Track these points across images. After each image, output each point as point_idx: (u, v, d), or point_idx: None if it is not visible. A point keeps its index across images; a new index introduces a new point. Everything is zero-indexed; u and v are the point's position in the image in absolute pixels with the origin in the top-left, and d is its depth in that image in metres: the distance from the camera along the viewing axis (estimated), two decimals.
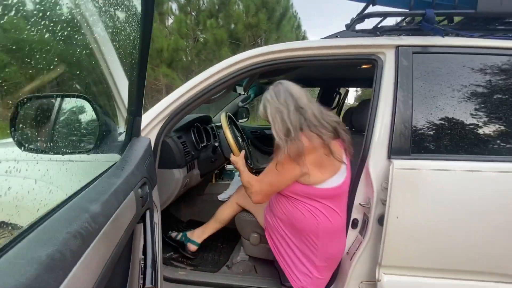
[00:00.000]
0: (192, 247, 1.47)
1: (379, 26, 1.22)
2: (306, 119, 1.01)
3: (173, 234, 1.55)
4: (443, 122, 1.03)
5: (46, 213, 0.33)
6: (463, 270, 1.02)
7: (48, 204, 0.36)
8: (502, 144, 1.03)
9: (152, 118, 1.11)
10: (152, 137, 1.10)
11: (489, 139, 1.03)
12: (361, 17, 1.17)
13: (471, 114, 1.03)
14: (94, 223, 0.35)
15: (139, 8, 0.69)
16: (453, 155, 1.02)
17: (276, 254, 1.16)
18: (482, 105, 1.04)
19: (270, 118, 1.04)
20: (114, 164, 0.68)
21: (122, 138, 0.90)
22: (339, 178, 1.03)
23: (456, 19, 1.30)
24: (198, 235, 1.48)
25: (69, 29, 0.76)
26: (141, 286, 0.57)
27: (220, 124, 1.48)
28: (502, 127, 1.03)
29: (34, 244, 0.26)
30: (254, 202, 1.10)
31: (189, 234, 1.50)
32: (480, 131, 1.03)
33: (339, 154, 1.03)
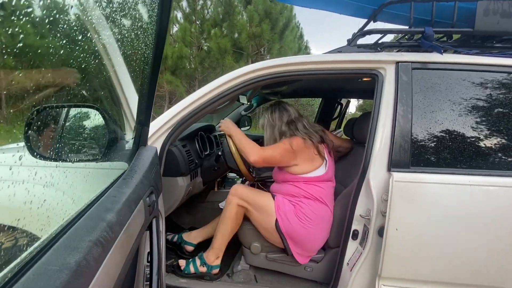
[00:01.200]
0: (189, 248, 1.51)
1: (379, 42, 1.26)
2: (298, 129, 1.36)
3: (169, 236, 1.56)
4: (442, 136, 1.06)
5: (69, 222, 0.35)
6: (462, 284, 1.03)
7: (67, 212, 0.38)
8: (500, 158, 1.05)
9: (159, 128, 1.14)
10: (158, 146, 1.13)
11: (487, 153, 1.06)
12: (363, 33, 1.22)
13: (469, 129, 1.06)
14: (111, 231, 0.38)
15: (152, 19, 0.73)
16: (452, 168, 1.04)
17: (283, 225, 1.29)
18: (480, 120, 1.07)
19: (264, 129, 1.43)
20: (123, 173, 0.71)
21: (129, 146, 0.93)
22: (322, 169, 1.34)
23: (455, 36, 1.35)
24: (194, 237, 1.53)
25: (79, 37, 0.80)
26: None
27: (223, 133, 1.52)
28: (500, 142, 1.05)
29: (62, 252, 0.28)
30: (252, 162, 1.30)
31: (185, 236, 1.53)
32: (478, 145, 1.06)
33: (323, 152, 1.35)
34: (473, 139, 1.06)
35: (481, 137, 1.06)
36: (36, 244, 0.29)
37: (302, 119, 1.42)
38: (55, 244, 0.29)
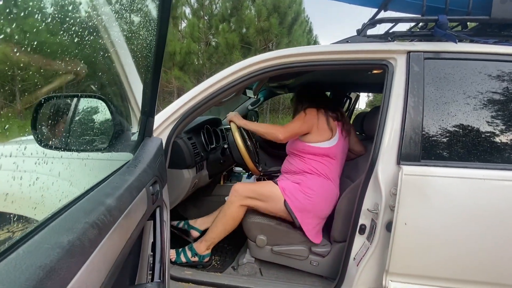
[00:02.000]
0: (195, 233, 1.53)
1: (390, 31, 1.22)
2: (315, 102, 1.49)
3: (175, 222, 1.57)
4: (454, 129, 1.02)
5: (67, 204, 0.35)
6: (473, 281, 0.99)
7: (68, 196, 0.38)
8: None
9: (164, 119, 1.14)
10: (164, 138, 1.13)
11: (503, 147, 1.01)
12: (373, 22, 1.18)
13: (484, 121, 1.01)
14: (110, 215, 0.37)
15: (155, 13, 0.73)
16: (465, 162, 1.00)
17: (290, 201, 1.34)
18: (495, 112, 1.02)
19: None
20: (127, 162, 0.71)
21: (135, 137, 0.93)
22: (332, 142, 1.39)
23: (471, 25, 1.29)
24: (200, 224, 1.54)
25: (86, 31, 0.80)
26: (150, 280, 0.59)
27: (229, 126, 1.51)
28: None
29: (56, 231, 0.28)
30: (282, 139, 1.37)
31: (191, 222, 1.55)
32: (493, 138, 1.01)
33: (334, 127, 1.41)
34: (488, 132, 1.01)
35: (497, 130, 1.01)
36: (30, 225, 0.29)
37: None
38: (50, 224, 0.29)
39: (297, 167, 1.42)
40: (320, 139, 1.38)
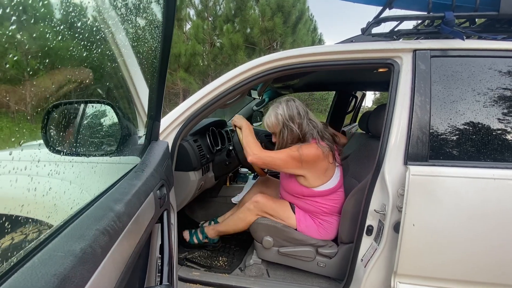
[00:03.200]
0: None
1: (395, 29, 1.21)
2: (318, 130, 1.26)
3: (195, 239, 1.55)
4: (463, 127, 1.00)
5: (78, 211, 0.36)
6: (482, 282, 0.98)
7: (79, 203, 0.39)
8: None
9: (170, 123, 1.15)
10: (170, 141, 1.14)
11: None
12: (377, 21, 1.17)
13: (494, 119, 0.99)
14: (119, 221, 0.38)
15: (160, 18, 0.73)
16: (474, 161, 0.98)
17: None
18: (505, 110, 1.00)
19: (281, 127, 1.26)
20: (135, 166, 0.72)
21: (141, 141, 0.95)
22: (335, 179, 1.29)
23: (479, 21, 1.26)
24: (216, 232, 1.52)
25: (93, 36, 0.82)
26: (158, 283, 0.60)
27: (234, 127, 1.51)
28: None
29: (68, 239, 0.29)
30: (249, 161, 1.25)
31: (208, 233, 1.54)
32: (504, 136, 0.99)
33: (338, 159, 1.29)
34: (499, 130, 0.99)
35: (508, 127, 0.99)
36: (44, 233, 0.30)
37: (317, 119, 1.30)
38: (62, 232, 0.30)
39: (309, 210, 1.34)
40: (325, 180, 1.27)
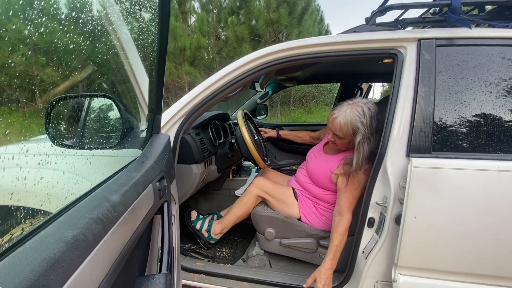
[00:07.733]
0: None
1: (400, 18, 1.17)
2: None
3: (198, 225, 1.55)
4: (468, 119, 0.98)
5: (73, 201, 0.37)
6: (484, 275, 0.97)
7: (75, 193, 0.41)
8: None
9: (172, 116, 1.16)
10: (172, 134, 1.15)
11: None
12: (382, 9, 1.13)
13: (501, 110, 0.96)
14: (114, 211, 0.39)
15: (157, 11, 0.73)
16: (479, 153, 0.96)
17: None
18: None
19: (358, 143, 1.16)
20: (135, 159, 0.74)
21: (143, 134, 0.96)
22: None
23: (488, 8, 1.21)
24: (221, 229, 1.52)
25: (95, 31, 0.83)
26: (158, 271, 0.62)
27: (236, 121, 1.52)
28: None
29: (61, 227, 0.30)
30: (348, 225, 1.17)
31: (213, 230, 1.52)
32: (510, 128, 0.96)
33: None
34: (506, 121, 0.96)
35: None
36: (38, 221, 0.31)
37: None
38: (56, 220, 0.31)
39: (317, 196, 1.36)
40: None
